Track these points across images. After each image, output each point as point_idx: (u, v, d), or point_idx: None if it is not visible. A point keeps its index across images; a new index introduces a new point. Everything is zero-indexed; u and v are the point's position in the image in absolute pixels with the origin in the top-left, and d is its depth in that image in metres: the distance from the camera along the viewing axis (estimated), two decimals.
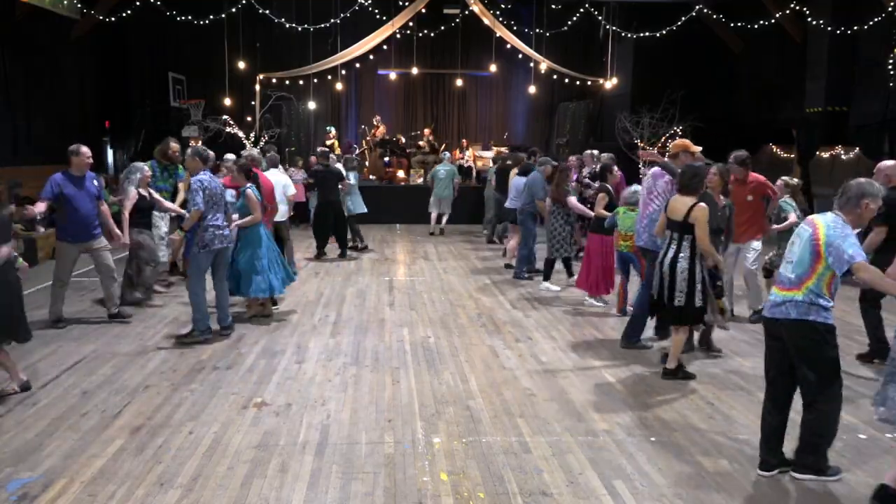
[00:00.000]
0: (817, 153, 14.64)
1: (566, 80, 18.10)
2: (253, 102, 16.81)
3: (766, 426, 3.84)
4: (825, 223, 3.58)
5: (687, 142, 6.05)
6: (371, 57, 17.64)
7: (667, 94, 15.29)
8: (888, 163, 5.63)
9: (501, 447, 4.06)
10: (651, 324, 6.17)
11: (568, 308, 7.59)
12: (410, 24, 16.39)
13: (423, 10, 15.99)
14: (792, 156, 15.49)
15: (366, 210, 11.48)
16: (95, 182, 6.62)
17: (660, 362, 5.56)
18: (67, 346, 5.93)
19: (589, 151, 10.37)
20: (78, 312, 7.00)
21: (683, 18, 15.29)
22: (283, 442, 4.09)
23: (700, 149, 6.00)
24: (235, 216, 6.62)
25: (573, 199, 8.23)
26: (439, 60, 19.17)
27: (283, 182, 8.70)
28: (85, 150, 6.53)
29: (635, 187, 6.96)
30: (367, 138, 17.32)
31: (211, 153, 6.57)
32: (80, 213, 6.37)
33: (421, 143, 17.25)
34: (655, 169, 6.10)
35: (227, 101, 16.30)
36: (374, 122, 17.28)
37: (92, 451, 3.94)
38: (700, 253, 5.05)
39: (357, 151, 17.42)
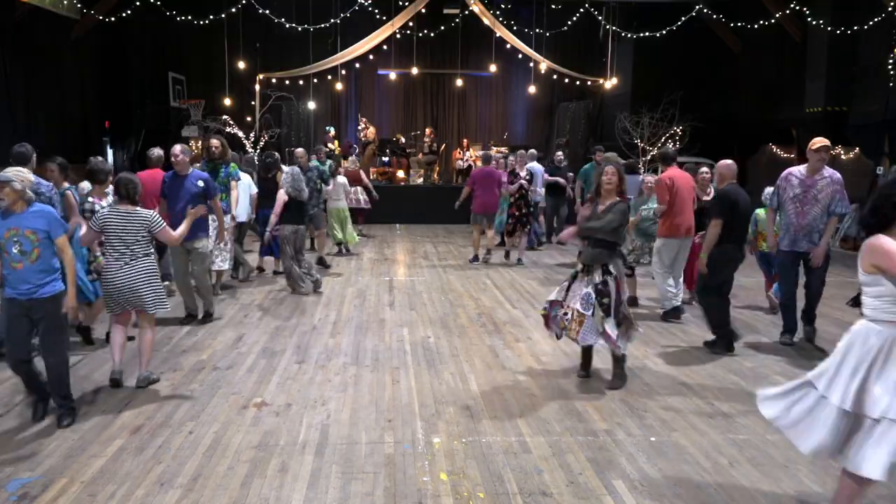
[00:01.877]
0: None
1: (566, 80, 18.11)
2: (253, 102, 16.82)
3: None
4: None
5: (815, 140, 5.98)
6: (371, 57, 17.64)
7: (667, 94, 15.29)
8: (723, 162, 6.11)
9: (501, 447, 4.06)
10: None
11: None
12: (410, 24, 16.39)
13: (423, 10, 15.99)
14: (792, 156, 15.48)
15: (243, 218, 8.85)
16: (200, 183, 6.52)
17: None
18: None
19: (521, 152, 10.91)
20: None
21: (683, 18, 15.30)
22: (283, 442, 4.09)
23: (819, 145, 5.89)
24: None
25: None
26: (439, 60, 19.17)
27: (246, 182, 8.79)
28: (174, 149, 6.51)
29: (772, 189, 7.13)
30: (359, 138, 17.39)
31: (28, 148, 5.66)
32: (175, 211, 6.38)
33: (425, 150, 17.29)
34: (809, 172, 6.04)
35: (227, 101, 16.31)
36: (361, 125, 17.34)
37: (92, 451, 3.94)
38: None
39: (356, 151, 17.47)
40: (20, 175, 4.19)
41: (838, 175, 5.96)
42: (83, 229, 5.26)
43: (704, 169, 7.64)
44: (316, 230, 9.99)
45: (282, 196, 7.94)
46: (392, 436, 4.20)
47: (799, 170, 6.06)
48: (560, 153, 12.78)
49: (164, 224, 5.01)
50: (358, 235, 11.88)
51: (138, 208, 4.91)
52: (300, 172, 8.22)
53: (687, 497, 3.53)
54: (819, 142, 5.89)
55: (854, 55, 13.28)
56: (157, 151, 7.53)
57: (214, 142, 7.70)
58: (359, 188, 12.50)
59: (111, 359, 5.02)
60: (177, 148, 6.56)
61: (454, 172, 17.43)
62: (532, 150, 11.68)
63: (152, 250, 5.00)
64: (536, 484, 3.63)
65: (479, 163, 15.74)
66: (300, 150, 9.82)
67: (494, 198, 10.16)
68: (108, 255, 4.86)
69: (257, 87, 16.68)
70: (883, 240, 2.97)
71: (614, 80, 17.29)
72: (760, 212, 7.37)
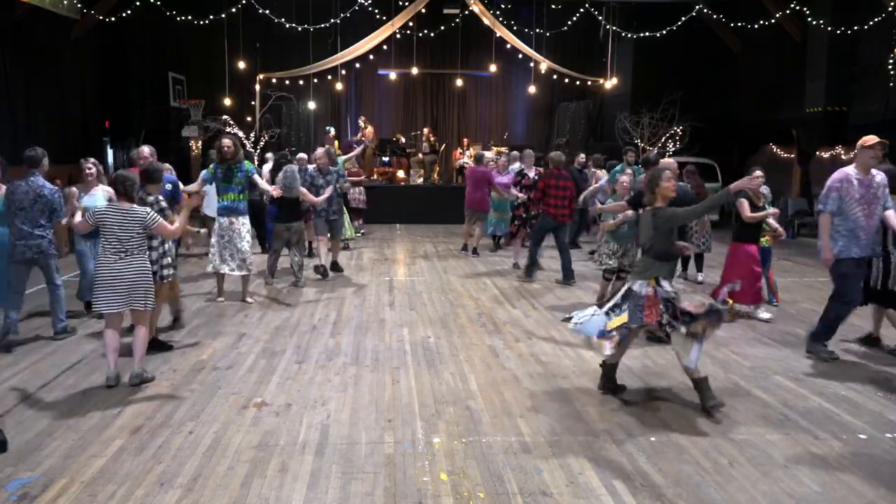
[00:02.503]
0: (817, 153, 14.66)
1: (566, 80, 18.13)
2: (253, 102, 16.84)
3: None
4: None
5: (868, 137, 5.67)
6: (371, 57, 17.66)
7: (667, 94, 15.31)
8: (664, 161, 6.51)
9: (501, 447, 4.06)
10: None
11: (568, 308, 7.58)
12: (410, 24, 16.40)
13: (423, 10, 16.00)
14: (792, 156, 15.50)
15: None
16: (168, 186, 6.25)
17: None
18: (67, 346, 5.93)
19: (528, 151, 10.77)
20: (77, 313, 6.99)
21: (683, 18, 15.30)
22: (283, 442, 4.09)
23: (874, 141, 5.54)
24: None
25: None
26: (439, 60, 19.18)
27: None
28: (142, 150, 6.21)
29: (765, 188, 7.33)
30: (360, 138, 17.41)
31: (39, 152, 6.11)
32: None
33: (425, 149, 17.31)
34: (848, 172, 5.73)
35: (227, 101, 16.32)
36: (361, 124, 17.35)
37: (92, 451, 3.94)
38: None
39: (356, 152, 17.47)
40: None
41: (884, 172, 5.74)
42: (77, 218, 5.33)
43: (758, 172, 7.20)
44: (332, 237, 9.25)
45: (274, 190, 8.01)
46: (392, 436, 4.20)
47: (853, 170, 5.67)
48: (583, 155, 12.11)
49: (160, 218, 5.11)
50: (356, 234, 12.36)
51: (135, 206, 5.00)
52: (295, 172, 8.26)
53: (687, 497, 3.53)
54: (872, 138, 5.59)
55: (854, 55, 13.29)
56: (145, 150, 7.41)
57: (227, 142, 7.37)
58: (360, 188, 12.60)
59: (106, 363, 5.02)
60: (145, 150, 6.28)
61: (454, 172, 17.44)
62: (515, 152, 11.71)
63: (146, 247, 5.12)
64: (536, 484, 3.63)
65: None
66: (320, 150, 9.33)
67: (483, 196, 10.51)
68: (103, 250, 4.94)
69: (257, 87, 16.70)
70: None
71: (614, 80, 17.30)
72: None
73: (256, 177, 7.52)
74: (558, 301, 7.94)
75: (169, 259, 5.78)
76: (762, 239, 7.35)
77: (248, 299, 7.60)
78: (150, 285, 5.00)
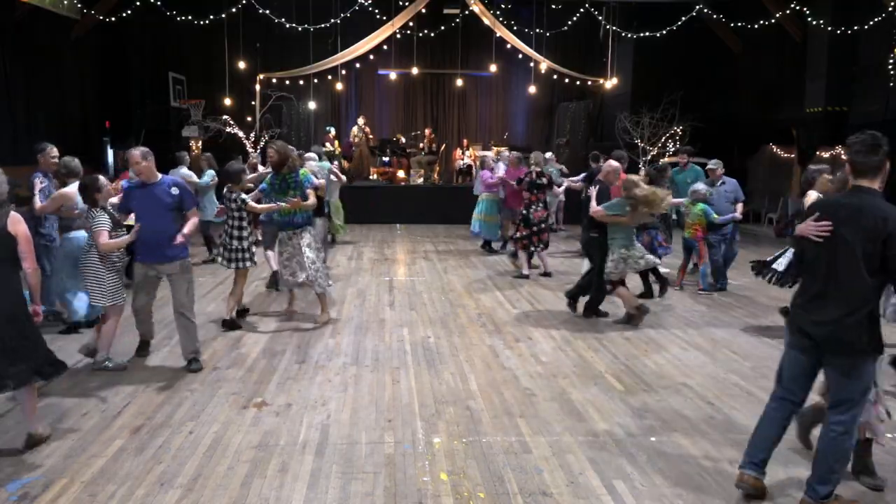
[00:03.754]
0: (817, 153, 14.65)
1: (566, 80, 18.11)
2: (253, 102, 16.82)
3: None
4: None
5: None
6: (371, 57, 17.65)
7: (667, 94, 15.29)
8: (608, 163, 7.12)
9: (501, 447, 4.06)
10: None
11: (568, 308, 7.57)
12: (410, 24, 16.39)
13: (423, 10, 15.99)
14: (792, 156, 15.50)
15: (211, 218, 9.60)
16: (174, 190, 5.39)
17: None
18: (68, 347, 5.92)
19: (549, 154, 10.90)
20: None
21: (683, 18, 15.30)
22: (283, 442, 4.10)
23: None
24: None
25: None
26: (439, 60, 19.18)
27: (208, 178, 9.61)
28: (135, 152, 5.30)
29: (701, 185, 8.25)
30: (356, 139, 17.42)
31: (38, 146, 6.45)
32: (144, 227, 5.18)
33: (421, 145, 17.35)
34: None
35: (227, 101, 16.31)
36: (360, 124, 17.34)
37: (92, 451, 3.94)
38: None
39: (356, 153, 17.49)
40: None
41: None
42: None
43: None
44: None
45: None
46: (392, 436, 4.20)
47: None
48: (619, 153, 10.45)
49: (101, 227, 5.12)
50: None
51: (93, 209, 5.20)
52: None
53: (687, 497, 3.53)
54: None
55: (854, 55, 13.29)
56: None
57: (269, 151, 6.69)
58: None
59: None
60: (136, 153, 5.29)
61: (454, 172, 17.44)
62: (487, 154, 11.87)
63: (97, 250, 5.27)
64: (537, 484, 3.63)
65: (478, 162, 15.83)
66: (270, 149, 7.45)
67: (512, 195, 10.54)
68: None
69: (257, 87, 16.69)
70: None
71: (614, 80, 17.29)
72: (687, 202, 8.20)
73: (310, 189, 6.82)
74: (558, 301, 7.93)
75: (239, 249, 6.50)
76: (685, 232, 8.16)
77: (332, 313, 7.10)
78: (97, 283, 5.25)
